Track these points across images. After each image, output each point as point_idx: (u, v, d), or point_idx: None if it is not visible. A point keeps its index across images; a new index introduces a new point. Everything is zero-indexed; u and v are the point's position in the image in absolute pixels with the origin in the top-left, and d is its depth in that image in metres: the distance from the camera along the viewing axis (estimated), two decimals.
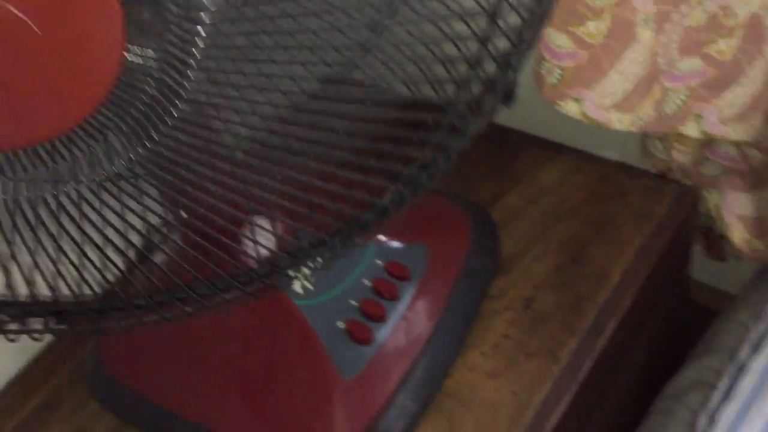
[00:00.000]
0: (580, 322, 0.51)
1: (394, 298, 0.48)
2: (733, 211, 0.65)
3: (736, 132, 0.55)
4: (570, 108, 0.52)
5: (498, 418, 0.48)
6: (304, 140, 0.33)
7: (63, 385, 0.56)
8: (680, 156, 0.61)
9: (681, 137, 0.57)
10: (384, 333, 0.47)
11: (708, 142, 0.59)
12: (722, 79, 0.52)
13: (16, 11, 0.24)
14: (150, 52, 0.28)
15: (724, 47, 0.51)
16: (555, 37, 0.49)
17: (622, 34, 0.48)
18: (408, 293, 0.48)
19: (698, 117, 0.54)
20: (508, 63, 0.30)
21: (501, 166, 0.61)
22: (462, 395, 0.49)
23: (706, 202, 0.65)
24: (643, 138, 0.62)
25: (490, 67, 0.31)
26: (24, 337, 0.37)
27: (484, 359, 0.51)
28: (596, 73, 0.50)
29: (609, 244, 0.55)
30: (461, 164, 0.35)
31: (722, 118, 0.54)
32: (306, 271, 0.47)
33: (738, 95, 0.53)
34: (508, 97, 0.32)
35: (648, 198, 0.58)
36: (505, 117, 0.43)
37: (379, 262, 0.49)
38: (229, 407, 0.47)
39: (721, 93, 0.53)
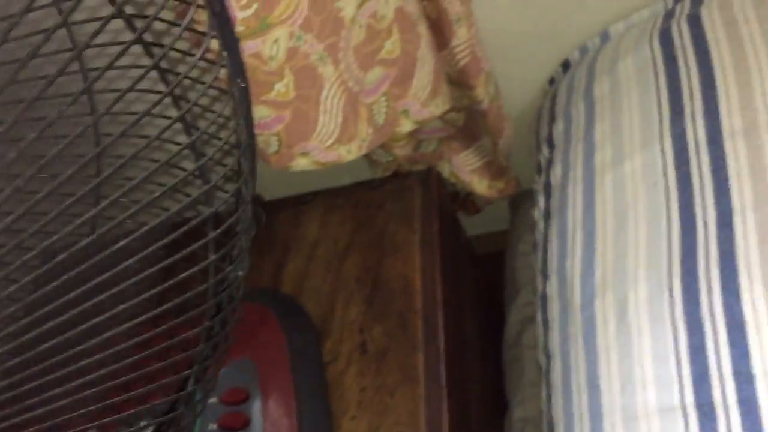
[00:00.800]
0: (415, 336, 0.53)
1: (245, 425, 0.46)
2: (465, 170, 0.71)
3: (437, 107, 0.60)
4: (301, 163, 0.53)
5: None
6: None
7: None
8: (402, 150, 0.66)
9: (395, 134, 0.61)
10: None
11: (418, 127, 0.64)
12: (405, 72, 0.56)
13: None
14: None
15: (391, 47, 0.55)
16: (256, 111, 0.49)
17: (308, 80, 0.50)
18: (256, 410, 0.47)
19: (405, 113, 0.58)
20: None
21: (263, 243, 0.61)
22: None
23: (442, 174, 0.70)
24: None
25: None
26: None
27: (357, 421, 0.51)
28: (307, 123, 0.51)
29: (395, 255, 0.57)
30: None
31: (422, 103, 0.58)
32: None
33: (423, 78, 0.58)
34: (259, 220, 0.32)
35: (402, 198, 0.61)
36: None
37: (214, 399, 0.47)
38: None
39: (410, 84, 0.57)
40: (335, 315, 0.55)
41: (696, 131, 0.50)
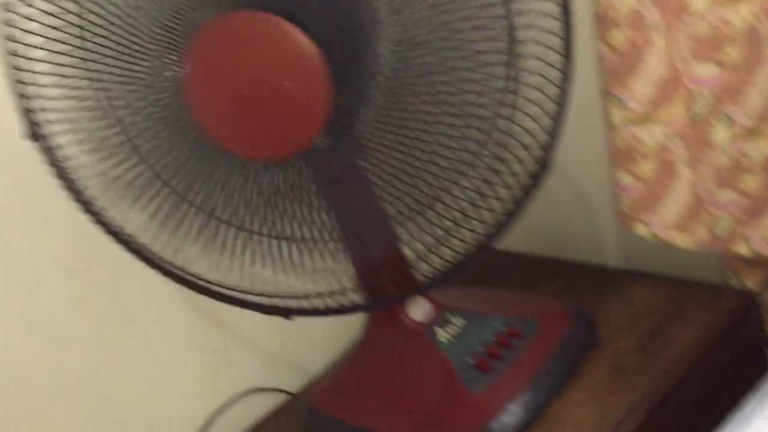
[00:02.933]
0: (654, 365, 0.67)
1: (509, 347, 0.68)
2: None
3: None
4: (641, 230, 0.73)
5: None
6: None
7: None
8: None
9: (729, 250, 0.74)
10: (501, 367, 0.67)
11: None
12: (757, 207, 0.71)
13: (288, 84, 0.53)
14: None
15: (751, 182, 0.70)
16: (622, 177, 0.72)
17: (667, 172, 0.70)
18: (520, 346, 0.68)
19: (745, 240, 0.72)
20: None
21: (604, 290, 0.81)
22: (558, 417, 0.66)
23: None
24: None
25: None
26: None
27: (577, 394, 0.67)
28: (654, 202, 0.72)
29: (684, 330, 0.71)
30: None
31: (765, 238, 0.72)
32: (450, 330, 0.70)
33: None
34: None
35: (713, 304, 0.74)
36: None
37: (501, 327, 0.70)
38: (398, 417, 0.68)
39: (758, 220, 0.71)
40: (612, 339, 0.72)
41: None
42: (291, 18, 0.56)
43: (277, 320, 0.87)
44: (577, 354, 0.70)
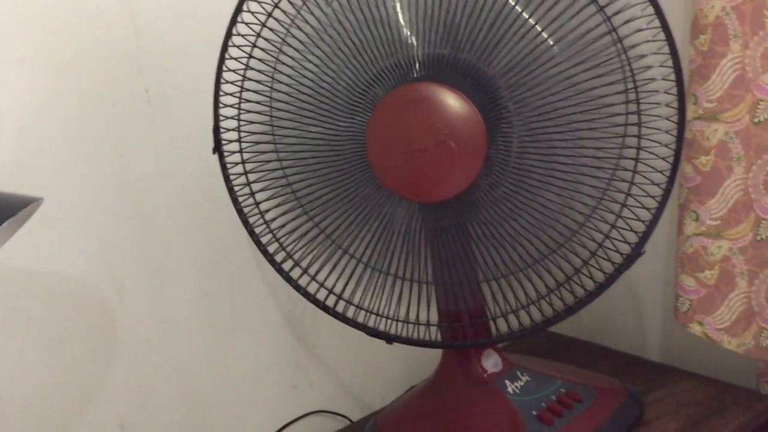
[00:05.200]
0: None
1: (569, 407, 0.77)
2: None
3: None
4: (695, 329, 0.83)
5: None
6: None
7: None
8: None
9: None
10: (561, 422, 0.76)
11: None
12: None
13: (453, 144, 0.65)
14: None
15: None
16: (685, 280, 0.83)
17: (726, 279, 0.81)
18: (579, 409, 0.78)
19: None
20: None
21: (652, 379, 0.90)
22: None
23: None
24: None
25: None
26: None
27: None
28: (711, 306, 0.82)
29: (725, 423, 0.80)
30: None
31: None
32: (517, 384, 0.80)
33: None
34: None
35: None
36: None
37: (562, 390, 0.80)
38: None
39: None
40: (658, 422, 0.81)
41: None
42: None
43: (355, 350, 0.98)
44: (627, 426, 0.79)
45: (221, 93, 0.75)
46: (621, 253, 0.70)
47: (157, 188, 0.80)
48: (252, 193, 0.78)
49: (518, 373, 0.82)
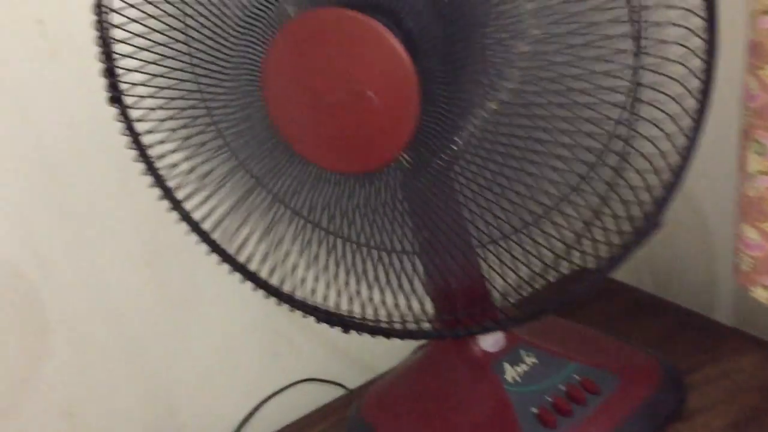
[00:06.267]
0: None
1: (581, 402, 0.61)
2: None
3: None
4: (760, 294, 0.63)
5: None
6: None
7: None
8: None
9: None
10: (567, 424, 0.60)
11: None
12: None
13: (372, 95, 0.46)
14: None
15: None
16: (746, 231, 0.62)
17: None
18: (594, 404, 0.61)
19: None
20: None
21: (707, 349, 0.72)
22: None
23: None
24: None
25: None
26: None
27: None
28: None
29: None
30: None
31: None
32: (518, 369, 0.64)
33: None
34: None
35: None
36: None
37: (576, 377, 0.63)
38: None
39: None
40: (702, 415, 0.63)
41: None
42: (389, 12, 0.50)
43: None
44: (657, 426, 0.62)
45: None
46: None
47: (71, 143, 0.67)
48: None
49: (522, 353, 0.65)
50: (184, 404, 0.77)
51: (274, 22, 0.52)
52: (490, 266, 0.57)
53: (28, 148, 0.65)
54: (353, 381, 0.83)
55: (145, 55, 0.57)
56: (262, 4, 0.52)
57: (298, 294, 0.63)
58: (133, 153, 0.60)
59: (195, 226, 0.62)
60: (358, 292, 0.61)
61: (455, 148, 0.50)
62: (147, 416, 0.76)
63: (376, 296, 0.61)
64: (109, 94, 0.59)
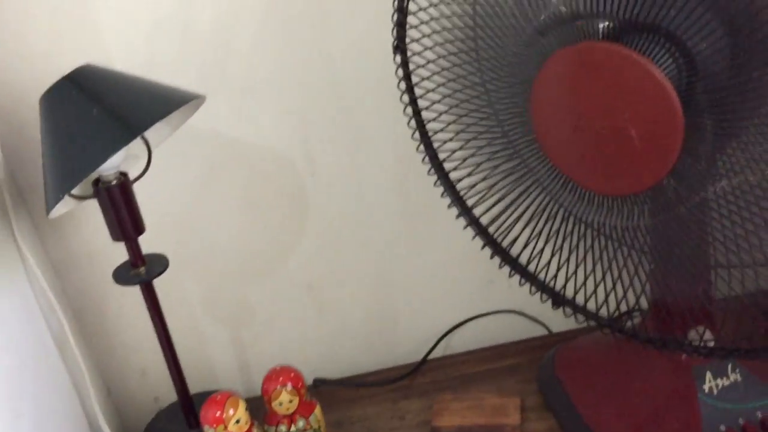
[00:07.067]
0: None
1: None
2: None
3: None
4: None
5: None
6: None
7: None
8: None
9: None
10: None
11: None
12: None
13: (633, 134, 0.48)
14: None
15: None
16: None
17: None
18: None
19: None
20: None
21: None
22: None
23: None
24: None
25: None
26: None
27: None
28: None
29: None
30: None
31: None
32: (719, 381, 0.65)
33: None
34: None
35: None
36: None
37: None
38: None
39: None
40: None
41: None
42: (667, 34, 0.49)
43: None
44: None
45: None
46: None
47: (356, 73, 0.74)
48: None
49: (730, 367, 0.65)
50: (402, 300, 0.86)
51: (555, 42, 0.53)
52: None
53: (323, 71, 0.74)
54: (558, 325, 0.87)
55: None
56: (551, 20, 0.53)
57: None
58: (411, 120, 0.68)
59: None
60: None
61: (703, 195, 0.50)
62: (369, 301, 0.86)
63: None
64: (395, 43, 0.64)
